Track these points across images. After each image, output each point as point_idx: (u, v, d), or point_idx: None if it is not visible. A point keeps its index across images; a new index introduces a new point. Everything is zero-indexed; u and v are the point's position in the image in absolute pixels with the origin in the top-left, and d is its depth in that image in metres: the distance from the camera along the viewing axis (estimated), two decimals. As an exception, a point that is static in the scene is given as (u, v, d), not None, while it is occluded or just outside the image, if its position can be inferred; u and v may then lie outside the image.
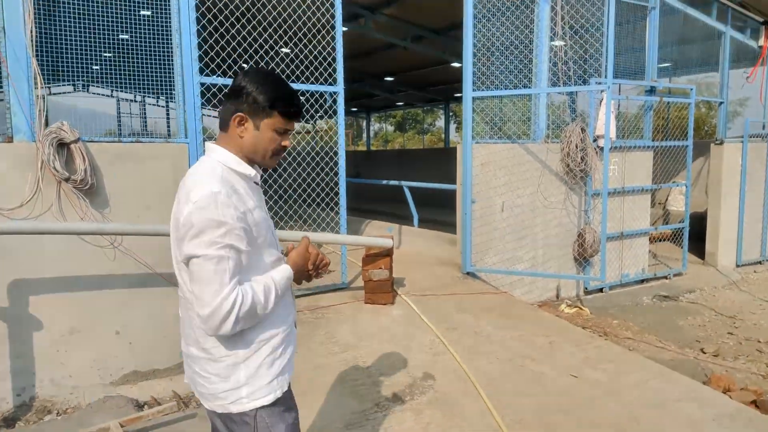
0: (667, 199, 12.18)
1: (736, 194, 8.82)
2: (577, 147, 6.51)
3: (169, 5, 4.31)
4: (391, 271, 5.14)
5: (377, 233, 9.28)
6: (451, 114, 25.93)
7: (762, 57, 8.76)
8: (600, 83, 5.94)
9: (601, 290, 7.35)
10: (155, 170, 4.30)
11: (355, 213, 13.26)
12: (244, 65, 5.16)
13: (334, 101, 5.26)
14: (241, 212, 1.56)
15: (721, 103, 8.58)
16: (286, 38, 5.29)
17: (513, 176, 6.38)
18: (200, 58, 4.46)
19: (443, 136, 28.52)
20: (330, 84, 5.25)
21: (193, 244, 1.51)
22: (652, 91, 7.51)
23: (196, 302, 1.53)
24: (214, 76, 4.57)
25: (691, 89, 7.67)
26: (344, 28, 11.42)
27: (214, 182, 1.54)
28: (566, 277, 6.63)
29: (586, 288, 7.17)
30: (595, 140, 6.94)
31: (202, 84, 4.48)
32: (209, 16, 4.68)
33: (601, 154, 6.91)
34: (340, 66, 5.21)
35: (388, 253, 5.05)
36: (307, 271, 1.79)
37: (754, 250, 9.26)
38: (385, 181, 9.80)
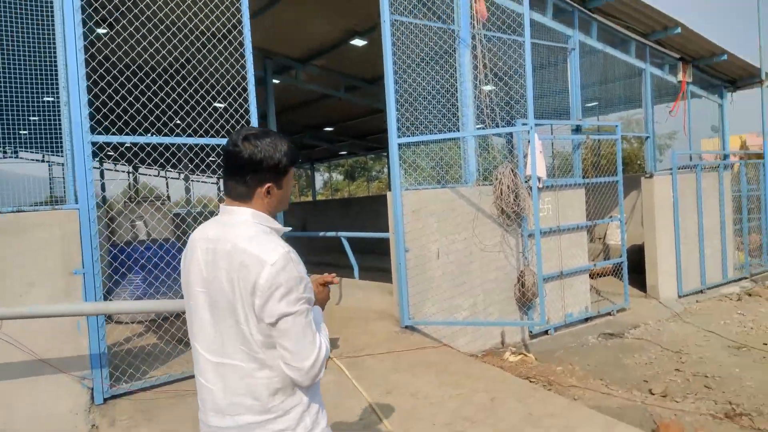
0: (605, 234, 12.35)
1: (670, 225, 8.94)
2: (509, 188, 6.41)
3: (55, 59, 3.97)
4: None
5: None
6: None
7: (682, 91, 9.09)
8: (525, 124, 5.89)
9: (546, 332, 7.15)
10: (41, 241, 3.84)
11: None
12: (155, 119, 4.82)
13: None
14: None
15: (648, 137, 8.79)
16: (202, 92, 4.98)
17: (446, 221, 6.18)
18: (91, 116, 4.09)
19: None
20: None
21: (284, 303, 1.54)
22: (578, 129, 7.58)
23: (293, 357, 1.56)
24: (109, 134, 4.20)
25: (616, 126, 7.80)
26: (275, 81, 11.35)
27: (278, 241, 1.61)
28: (505, 324, 6.39)
29: (531, 332, 6.95)
30: (526, 181, 6.88)
31: (95, 143, 4.09)
32: (101, 71, 4.34)
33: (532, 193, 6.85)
34: (254, 117, 4.92)
35: (313, 313, 4.66)
36: (320, 295, 1.84)
37: (694, 279, 9.36)
38: (321, 233, 9.46)
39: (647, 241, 8.96)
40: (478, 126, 6.40)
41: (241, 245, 1.58)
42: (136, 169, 20.16)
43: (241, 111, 4.94)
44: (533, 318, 6.95)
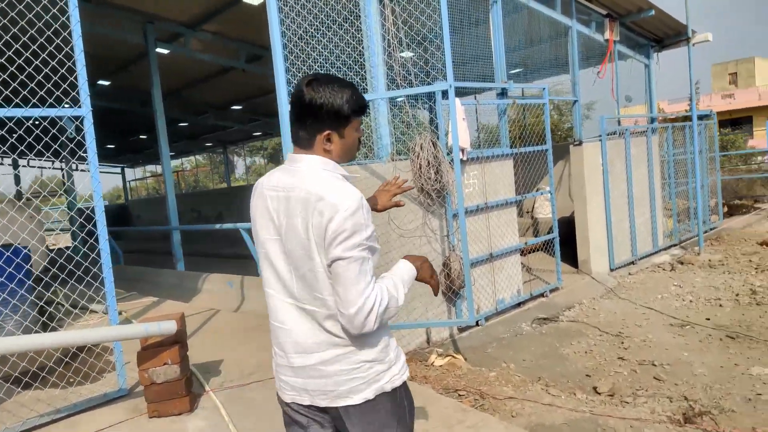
0: (533, 207, 11.82)
1: (600, 195, 8.39)
2: (428, 163, 5.45)
3: None
4: (185, 364, 3.64)
5: (217, 289, 7.67)
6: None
7: (609, 50, 8.48)
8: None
9: (477, 323, 6.35)
10: None
11: (205, 259, 11.50)
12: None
13: (78, 129, 3.68)
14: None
15: (575, 101, 8.13)
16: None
17: (355, 206, 5.16)
18: None
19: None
20: (70, 106, 3.67)
21: (341, 247, 1.56)
22: (503, 94, 6.74)
23: (341, 303, 1.59)
24: None
25: (544, 89, 7.04)
26: (164, 51, 9.82)
27: (352, 189, 1.62)
28: (427, 325, 5.50)
29: (460, 325, 6.12)
30: (449, 153, 5.97)
31: None
32: None
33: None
34: (83, 80, 3.65)
35: (176, 340, 3.54)
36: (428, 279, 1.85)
37: (625, 250, 8.91)
38: (218, 225, 8.22)
39: (578, 214, 8.38)
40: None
41: (317, 192, 1.60)
42: None
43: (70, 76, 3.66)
44: (462, 310, 6.12)
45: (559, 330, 6.34)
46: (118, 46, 9.46)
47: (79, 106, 3.57)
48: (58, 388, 4.02)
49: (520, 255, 8.32)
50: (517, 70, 10.20)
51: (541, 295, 7.29)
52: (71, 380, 4.04)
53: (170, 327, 3.40)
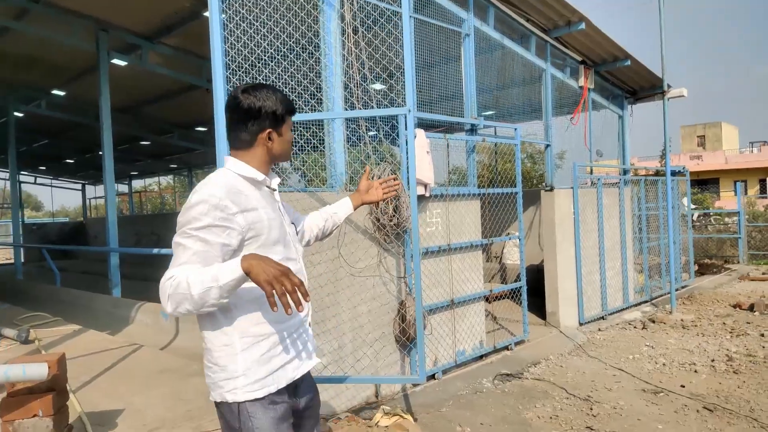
0: (502, 252, 11.38)
1: (571, 244, 7.98)
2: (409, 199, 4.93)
3: None
4: (62, 417, 2.94)
5: (150, 321, 6.91)
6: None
7: (584, 97, 8.24)
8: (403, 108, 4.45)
9: (433, 376, 5.74)
10: None
11: (149, 284, 10.64)
12: None
13: None
14: (237, 211, 1.69)
15: (548, 145, 7.80)
16: None
17: (301, 237, 4.58)
18: None
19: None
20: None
21: (176, 234, 1.67)
22: (473, 130, 6.34)
23: None
24: None
25: (516, 129, 6.67)
26: (120, 62, 9.26)
27: (212, 188, 1.69)
28: (370, 381, 4.85)
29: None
30: (410, 187, 5.47)
31: None
32: None
33: (418, 204, 5.45)
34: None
35: (51, 387, 2.85)
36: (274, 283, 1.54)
37: (595, 304, 8.46)
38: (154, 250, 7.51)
39: (547, 262, 7.93)
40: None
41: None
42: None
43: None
44: (416, 362, 5.49)
45: (523, 389, 5.76)
46: (71, 54, 8.88)
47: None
48: None
49: (486, 302, 7.81)
50: (490, 112, 9.92)
51: (506, 348, 6.73)
52: None
53: (39, 371, 2.72)
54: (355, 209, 2.59)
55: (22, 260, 14.90)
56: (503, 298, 8.15)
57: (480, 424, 4.82)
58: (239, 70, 4.26)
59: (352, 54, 4.80)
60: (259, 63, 4.36)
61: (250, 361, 1.74)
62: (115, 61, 8.93)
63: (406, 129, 5.37)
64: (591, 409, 5.10)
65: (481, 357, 6.38)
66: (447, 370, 5.89)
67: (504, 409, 5.21)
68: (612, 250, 8.90)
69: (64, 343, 5.87)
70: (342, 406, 4.85)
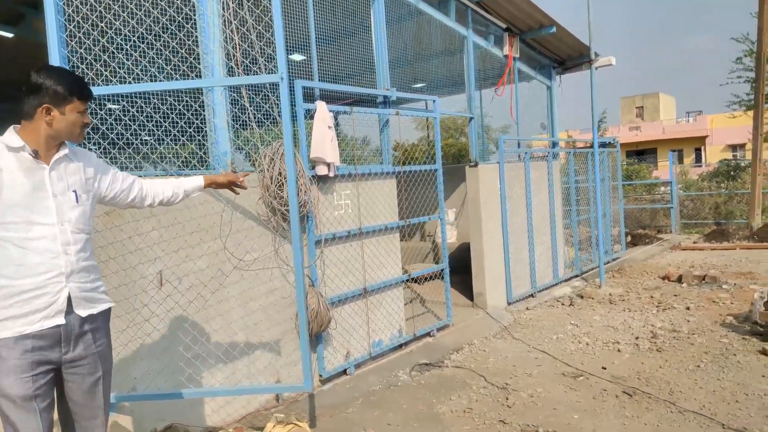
0: (436, 231, 11.06)
1: (498, 221, 7.68)
2: (283, 176, 4.38)
3: None
4: None
5: None
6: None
7: (508, 66, 7.85)
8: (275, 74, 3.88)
9: (344, 372, 5.31)
10: None
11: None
12: None
13: None
14: None
15: (471, 118, 7.39)
16: None
17: (175, 227, 4.00)
18: None
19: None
20: None
21: None
22: (386, 103, 5.84)
23: None
24: None
25: (434, 101, 6.21)
26: (6, 34, 8.18)
27: None
28: (248, 392, 4.31)
29: (322, 375, 5.05)
30: (313, 167, 4.94)
31: None
32: None
33: (321, 185, 4.94)
34: None
35: None
36: None
37: (524, 282, 8.24)
38: None
39: (473, 241, 7.61)
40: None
41: None
42: None
43: None
44: (325, 357, 5.05)
45: (441, 379, 5.42)
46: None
47: None
48: None
49: (415, 283, 7.45)
50: (420, 85, 9.44)
51: (428, 334, 6.38)
52: None
53: None
54: (205, 188, 3.02)
55: None
56: (435, 278, 7.81)
57: (387, 425, 4.44)
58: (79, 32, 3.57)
59: (233, 16, 4.16)
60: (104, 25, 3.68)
61: None
62: (0, 32, 7.88)
63: (279, 99, 4.89)
64: (507, 398, 4.81)
65: (400, 346, 6.00)
66: (361, 363, 5.48)
67: (417, 404, 4.85)
68: (541, 225, 8.69)
69: None
70: (234, 414, 4.36)
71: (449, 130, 23.15)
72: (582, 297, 8.26)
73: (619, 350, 5.86)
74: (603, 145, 10.61)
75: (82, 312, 2.10)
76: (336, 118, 5.46)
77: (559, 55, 9.20)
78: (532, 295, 8.33)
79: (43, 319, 2.00)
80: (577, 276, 9.59)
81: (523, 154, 8.25)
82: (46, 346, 2.01)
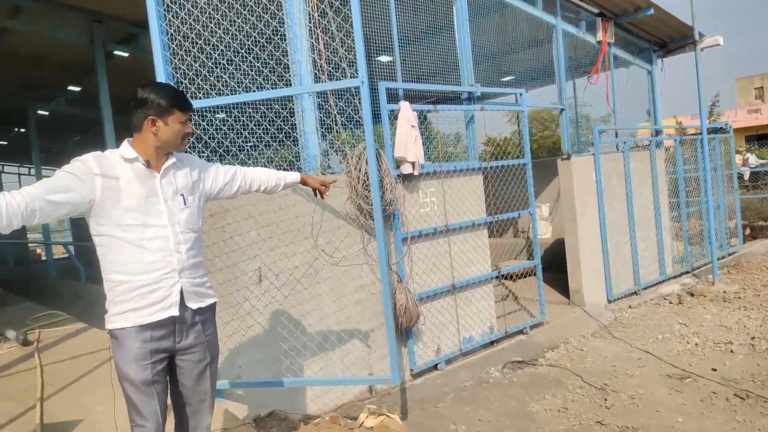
0: (529, 227, 10.77)
1: (594, 215, 7.36)
2: (367, 176, 4.53)
3: None
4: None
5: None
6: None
7: (602, 53, 7.50)
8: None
9: (435, 367, 5.37)
10: None
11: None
12: None
13: None
14: (93, 172, 2.11)
15: (562, 110, 7.14)
16: None
17: (271, 227, 4.27)
18: None
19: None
20: None
21: None
22: (471, 99, 5.82)
23: None
24: None
25: (521, 94, 6.09)
26: (122, 53, 9.12)
27: (87, 155, 2.15)
28: (343, 382, 4.49)
29: (412, 369, 5.14)
30: (398, 166, 5.06)
31: None
32: None
33: (407, 183, 5.05)
34: None
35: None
36: None
37: (626, 279, 7.83)
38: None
39: (568, 236, 7.35)
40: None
41: None
42: None
43: None
44: (415, 352, 5.14)
45: (534, 377, 5.32)
46: (74, 49, 8.81)
47: None
48: None
49: (510, 280, 7.34)
50: (508, 78, 9.27)
51: (520, 332, 6.27)
52: None
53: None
54: (301, 183, 3.13)
55: (64, 256, 15.35)
56: (530, 275, 7.62)
57: (478, 420, 4.44)
58: (179, 50, 3.93)
59: (318, 26, 4.38)
60: (200, 41, 4.01)
61: (118, 292, 2.19)
62: (117, 52, 8.82)
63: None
64: (605, 399, 4.63)
65: (491, 343, 5.96)
66: (451, 359, 5.51)
67: (509, 401, 4.80)
68: (644, 218, 8.19)
69: (62, 343, 5.82)
70: (330, 404, 4.57)
71: (545, 122, 22.38)
72: (692, 295, 7.69)
73: (732, 351, 5.42)
74: (714, 131, 9.80)
75: (193, 305, 2.29)
76: (421, 117, 5.53)
77: (659, 37, 8.63)
78: (635, 293, 7.88)
79: (160, 311, 2.19)
80: (687, 272, 8.93)
81: (622, 144, 7.84)
82: (161, 336, 2.21)
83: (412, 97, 5.34)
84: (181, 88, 3.75)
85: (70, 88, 11.57)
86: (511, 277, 7.04)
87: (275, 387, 4.04)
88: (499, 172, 6.17)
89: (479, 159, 5.96)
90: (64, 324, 6.96)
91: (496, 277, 6.21)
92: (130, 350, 2.16)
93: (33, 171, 16.58)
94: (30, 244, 19.28)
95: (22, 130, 16.55)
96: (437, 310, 5.39)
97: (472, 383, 5.21)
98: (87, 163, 2.12)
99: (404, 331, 4.98)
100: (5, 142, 19.95)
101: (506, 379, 5.31)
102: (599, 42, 7.49)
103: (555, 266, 8.24)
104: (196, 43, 3.76)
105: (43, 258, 17.60)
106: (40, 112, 13.10)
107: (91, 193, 2.09)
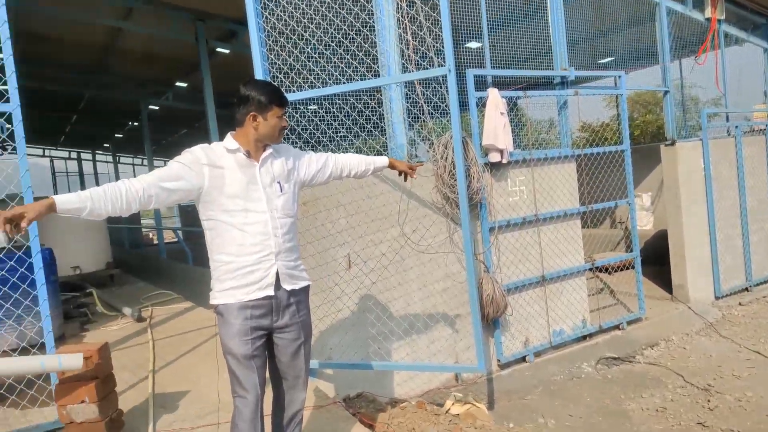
0: (628, 218, 10.21)
1: (701, 205, 6.85)
2: (453, 165, 4.51)
3: None
4: (109, 403, 3.08)
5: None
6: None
7: (711, 31, 6.92)
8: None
9: (523, 359, 5.28)
10: None
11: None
12: None
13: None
14: (201, 162, 2.30)
15: (666, 92, 6.68)
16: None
17: (359, 215, 4.38)
18: None
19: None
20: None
21: None
22: (564, 83, 5.60)
23: None
24: None
25: (619, 76, 5.78)
26: (224, 50, 9.67)
27: (199, 147, 2.37)
28: (427, 368, 4.50)
29: (500, 360, 5.09)
30: (485, 154, 5.00)
31: None
32: None
33: (494, 172, 4.98)
34: (10, 72, 3.22)
35: (95, 375, 2.99)
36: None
37: (737, 274, 7.24)
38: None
39: (671, 227, 6.90)
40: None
41: None
42: None
43: None
44: (502, 342, 5.09)
45: (630, 375, 5.09)
46: (181, 48, 9.47)
47: (6, 101, 3.15)
48: (18, 407, 3.68)
49: (605, 273, 7.05)
50: (606, 60, 8.79)
51: (616, 327, 6.00)
52: (34, 401, 3.68)
53: (74, 362, 2.85)
54: (389, 167, 3.17)
55: (174, 240, 16.70)
56: (627, 268, 7.25)
57: (569, 415, 4.33)
58: (275, 47, 4.10)
59: (406, 16, 4.40)
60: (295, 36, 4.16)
61: (223, 271, 2.36)
62: (219, 49, 9.38)
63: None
64: (708, 401, 4.34)
65: (584, 338, 5.75)
66: (540, 352, 5.39)
67: (602, 397, 4.63)
68: (758, 209, 7.51)
69: (171, 320, 6.35)
70: (416, 389, 4.64)
71: (648, 105, 20.94)
72: (815, 293, 6.98)
73: None
74: None
75: (287, 286, 2.43)
76: (511, 104, 5.41)
77: (778, 9, 7.80)
78: (746, 289, 7.27)
79: (258, 290, 2.34)
80: (810, 268, 8.08)
81: (733, 128, 7.21)
82: (260, 314, 2.36)
83: (500, 84, 5.23)
84: (276, 83, 3.93)
85: (178, 84, 12.45)
86: (607, 269, 6.74)
87: (363, 369, 4.17)
88: (595, 160, 5.91)
89: (573, 146, 5.74)
90: (173, 303, 7.58)
91: (590, 270, 5.98)
92: (233, 326, 2.32)
93: (145, 161, 18.06)
94: (143, 229, 21.05)
95: (136, 123, 18.05)
96: (525, 301, 5.29)
97: (562, 377, 5.08)
98: (196, 154, 2.30)
99: (491, 322, 4.94)
100: (121, 135, 21.87)
101: (599, 375, 5.12)
102: (708, 19, 6.91)
103: (656, 259, 7.78)
104: (290, 38, 3.92)
105: (155, 242, 19.17)
106: (151, 107, 14.25)
107: (200, 181, 2.28)
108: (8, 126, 3.25)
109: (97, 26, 8.82)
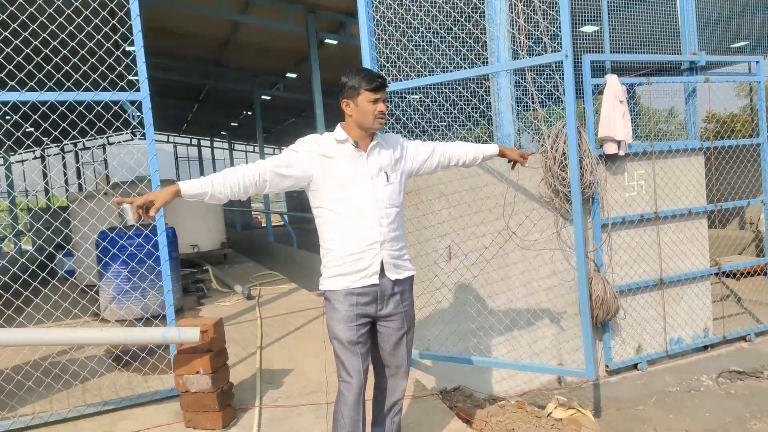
0: (760, 219, 9.18)
1: None
2: (565, 156, 4.29)
3: None
4: (221, 376, 3.27)
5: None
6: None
7: None
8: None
9: (635, 366, 4.94)
10: None
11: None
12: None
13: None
14: (313, 152, 2.38)
15: (817, 77, 5.87)
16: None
17: (462, 207, 4.30)
18: None
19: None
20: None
21: None
22: (693, 69, 5.11)
23: None
24: None
25: (757, 62, 5.17)
26: (332, 41, 9.91)
27: (310, 137, 2.45)
28: (529, 368, 4.24)
29: (608, 366, 4.80)
30: (600, 146, 4.70)
31: None
32: None
33: (609, 165, 4.67)
34: (141, 62, 3.47)
35: (207, 348, 3.19)
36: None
37: None
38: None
39: (816, 232, 6.09)
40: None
41: None
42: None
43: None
44: (611, 347, 4.79)
45: (757, 392, 4.59)
46: (293, 39, 9.84)
47: (137, 90, 3.41)
48: (140, 373, 4.04)
49: (733, 278, 6.43)
50: (741, 44, 7.92)
51: (742, 338, 5.44)
52: (154, 369, 4.02)
53: (192, 335, 3.05)
54: (499, 155, 3.01)
55: (280, 224, 17.59)
56: (757, 274, 6.54)
57: (684, 431, 3.98)
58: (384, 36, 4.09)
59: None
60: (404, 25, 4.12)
61: (329, 257, 2.43)
62: (327, 40, 9.63)
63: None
64: None
65: (705, 348, 5.28)
66: (654, 360, 5.01)
67: (723, 414, 4.21)
68: None
69: (277, 300, 6.65)
70: (515, 388, 4.51)
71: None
72: None
73: None
74: None
75: (392, 275, 2.42)
76: (629, 92, 5.03)
77: None
78: None
79: (363, 278, 2.37)
80: None
81: None
82: (365, 302, 2.39)
83: (620, 70, 4.87)
84: (383, 72, 3.93)
85: (288, 75, 12.97)
86: (734, 275, 6.11)
87: (462, 363, 4.09)
88: (725, 154, 5.36)
89: (700, 138, 5.24)
90: (279, 284, 7.94)
91: (716, 274, 5.45)
92: (339, 312, 2.37)
93: (257, 149, 19.09)
94: (253, 213, 22.25)
95: (249, 113, 19.10)
96: (639, 305, 4.93)
97: (678, 389, 4.68)
98: (308, 143, 2.38)
99: (600, 324, 4.66)
100: (236, 124, 23.26)
101: (721, 390, 4.66)
102: None
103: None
104: (399, 27, 3.89)
105: (263, 224, 20.24)
106: (263, 97, 14.99)
107: (310, 169, 2.34)
108: (138, 114, 3.52)
109: (217, 20, 9.38)
